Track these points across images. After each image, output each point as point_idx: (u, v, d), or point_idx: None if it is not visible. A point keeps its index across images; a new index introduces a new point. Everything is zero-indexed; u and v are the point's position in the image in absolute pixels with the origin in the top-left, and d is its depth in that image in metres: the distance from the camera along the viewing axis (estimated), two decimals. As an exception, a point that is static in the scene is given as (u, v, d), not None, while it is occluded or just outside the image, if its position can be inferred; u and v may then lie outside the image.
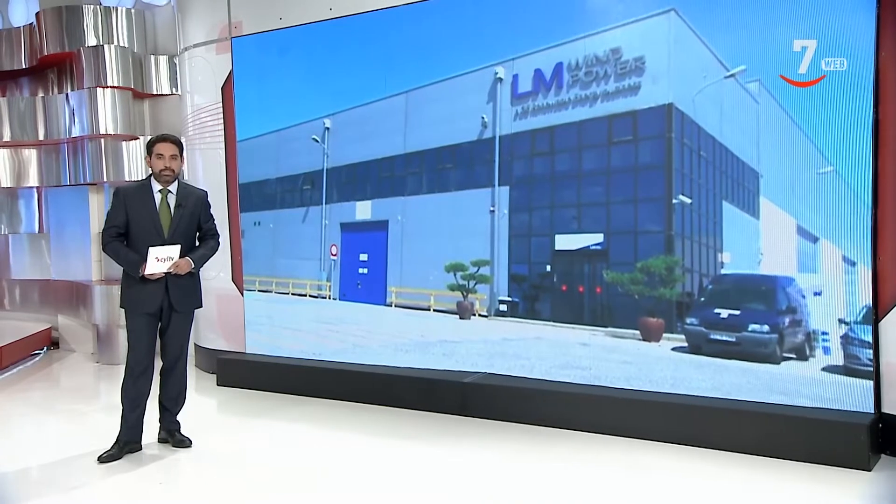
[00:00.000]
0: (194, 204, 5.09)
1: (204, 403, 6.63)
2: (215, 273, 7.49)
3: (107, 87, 8.40)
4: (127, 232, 4.94)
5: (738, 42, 4.97)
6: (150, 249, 4.78)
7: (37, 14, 8.97)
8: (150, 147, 4.99)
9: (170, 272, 4.86)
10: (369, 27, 6.48)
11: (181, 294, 4.99)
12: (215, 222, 5.28)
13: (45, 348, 9.25)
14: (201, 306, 5.30)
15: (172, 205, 4.98)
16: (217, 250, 5.26)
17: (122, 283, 5.03)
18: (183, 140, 7.78)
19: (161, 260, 4.81)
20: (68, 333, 9.34)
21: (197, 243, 5.16)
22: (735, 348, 5.09)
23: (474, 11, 6.03)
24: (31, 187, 9.64)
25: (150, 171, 5.02)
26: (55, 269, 9.56)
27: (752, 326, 5.05)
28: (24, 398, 7.01)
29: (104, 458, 4.91)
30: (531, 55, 5.79)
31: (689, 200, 5.21)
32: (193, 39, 7.61)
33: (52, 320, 9.52)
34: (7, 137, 9.00)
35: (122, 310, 5.05)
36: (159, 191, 4.97)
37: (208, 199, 5.25)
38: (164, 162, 4.92)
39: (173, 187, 5.01)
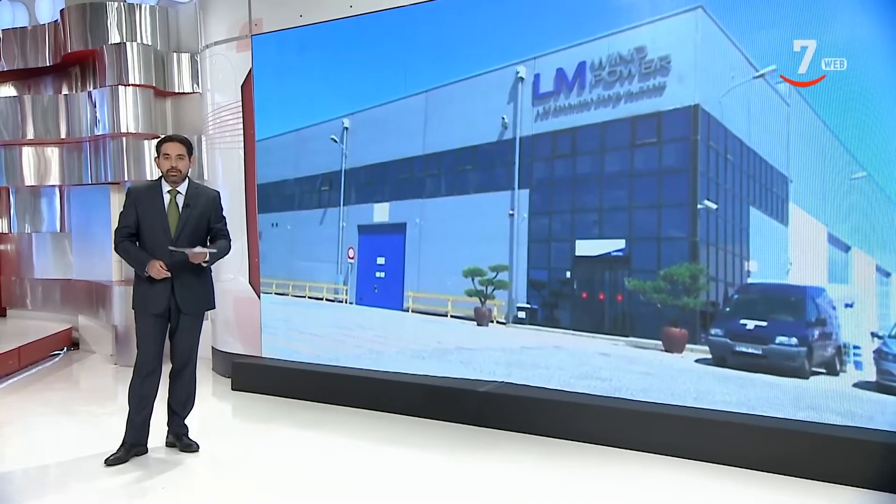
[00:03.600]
0: (204, 204, 5.02)
1: (217, 408, 6.57)
2: (232, 275, 7.41)
3: (129, 84, 8.36)
4: (138, 232, 4.91)
5: (768, 41, 4.76)
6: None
7: (61, 11, 8.98)
8: (157, 147, 4.97)
9: (196, 260, 4.84)
10: (389, 25, 6.35)
11: (187, 295, 4.93)
12: (227, 224, 5.19)
13: (65, 349, 9.24)
14: (212, 308, 5.23)
15: (181, 205, 4.91)
16: (228, 251, 5.17)
17: (133, 283, 5.01)
18: (203, 139, 7.81)
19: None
20: (88, 334, 9.32)
21: (208, 244, 5.08)
22: (762, 361, 4.89)
23: (496, 9, 5.87)
24: (53, 186, 9.64)
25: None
26: (77, 269, 9.55)
27: (780, 339, 4.84)
28: (41, 398, 6.97)
29: (111, 461, 4.88)
30: (553, 54, 5.63)
31: (714, 206, 5.02)
32: (215, 37, 7.54)
33: (72, 320, 9.52)
34: (30, 135, 9.00)
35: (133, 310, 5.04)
36: (168, 191, 4.92)
37: (220, 199, 5.17)
38: (170, 162, 4.88)
39: (182, 187, 4.95)
